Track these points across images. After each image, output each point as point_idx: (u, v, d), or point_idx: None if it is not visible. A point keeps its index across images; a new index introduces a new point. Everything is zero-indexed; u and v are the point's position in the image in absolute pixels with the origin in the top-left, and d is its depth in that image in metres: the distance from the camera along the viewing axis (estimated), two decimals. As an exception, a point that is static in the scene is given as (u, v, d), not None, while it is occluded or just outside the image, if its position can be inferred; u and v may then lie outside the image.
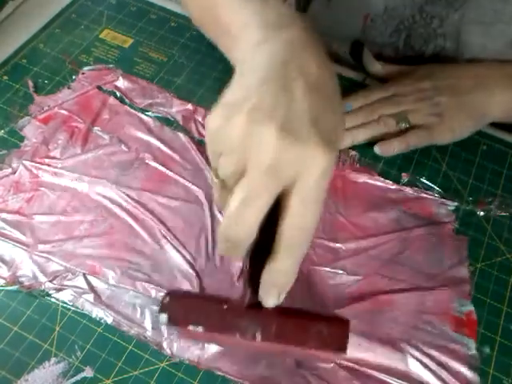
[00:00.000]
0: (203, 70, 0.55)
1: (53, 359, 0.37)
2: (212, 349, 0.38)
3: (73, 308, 0.40)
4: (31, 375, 0.37)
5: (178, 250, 0.42)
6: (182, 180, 0.46)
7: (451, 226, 0.45)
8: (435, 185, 0.47)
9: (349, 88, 0.54)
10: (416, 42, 0.54)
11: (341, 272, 0.42)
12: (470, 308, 0.41)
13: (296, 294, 0.40)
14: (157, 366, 0.38)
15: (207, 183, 0.46)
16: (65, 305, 0.40)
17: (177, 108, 0.51)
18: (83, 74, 0.53)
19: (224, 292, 0.40)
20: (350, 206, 0.46)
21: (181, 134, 0.49)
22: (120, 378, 0.37)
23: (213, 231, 0.43)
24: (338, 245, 0.43)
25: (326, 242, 0.43)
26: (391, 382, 0.37)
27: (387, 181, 0.47)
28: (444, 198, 0.46)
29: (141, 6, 0.60)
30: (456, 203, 0.46)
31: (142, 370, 0.37)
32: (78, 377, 0.37)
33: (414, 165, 0.48)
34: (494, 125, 0.53)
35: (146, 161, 0.47)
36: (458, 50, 0.53)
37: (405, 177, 0.48)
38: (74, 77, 0.53)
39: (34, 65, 0.54)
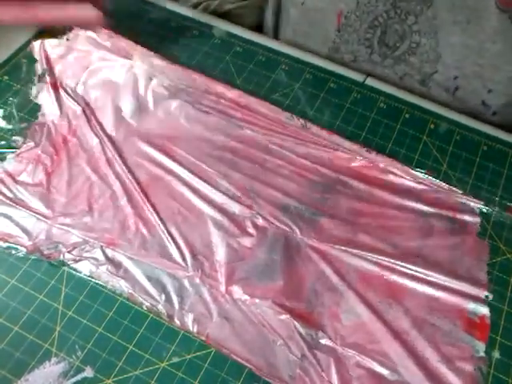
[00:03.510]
0: (204, 69, 0.55)
1: (53, 359, 0.38)
2: (224, 329, 0.39)
3: (73, 307, 0.40)
4: (31, 375, 0.37)
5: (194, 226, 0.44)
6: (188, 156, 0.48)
7: (475, 228, 0.45)
8: (435, 185, 0.47)
9: (349, 88, 0.54)
10: (391, 38, 0.54)
11: (357, 253, 0.42)
12: (485, 312, 0.40)
13: (309, 268, 0.42)
14: (157, 366, 0.38)
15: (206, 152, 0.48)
16: (65, 303, 0.40)
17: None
18: None
19: None
20: (376, 196, 0.46)
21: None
22: (120, 377, 0.37)
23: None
24: (357, 227, 0.44)
25: (345, 223, 0.44)
26: (390, 375, 0.38)
27: (415, 173, 0.47)
28: (472, 197, 0.46)
29: (141, 7, 0.60)
30: (482, 203, 0.46)
31: (142, 370, 0.38)
32: (79, 377, 0.37)
33: (415, 165, 0.48)
34: (495, 125, 0.53)
35: (154, 135, 0.48)
36: (438, 48, 0.52)
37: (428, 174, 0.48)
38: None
39: (25, 58, 0.54)
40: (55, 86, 0.51)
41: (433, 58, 0.54)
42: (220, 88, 0.52)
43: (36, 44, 0.54)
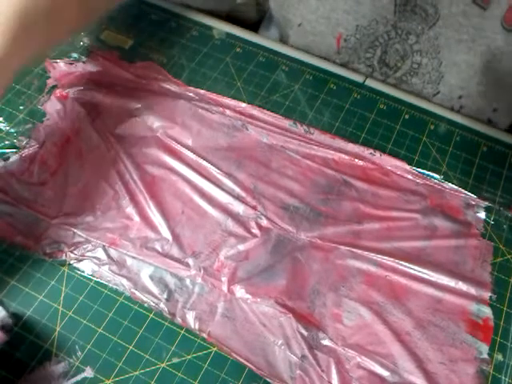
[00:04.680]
0: (203, 70, 0.55)
1: (53, 359, 0.37)
2: (226, 327, 0.39)
3: (73, 308, 0.40)
4: (32, 375, 0.37)
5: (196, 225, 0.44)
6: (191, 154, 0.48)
7: (479, 228, 0.45)
8: (435, 185, 0.47)
9: (349, 89, 0.54)
10: (391, 58, 0.54)
11: (360, 253, 0.42)
12: (488, 314, 0.40)
13: (311, 269, 0.42)
14: (157, 366, 0.38)
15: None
16: (65, 304, 0.40)
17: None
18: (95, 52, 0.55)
19: None
20: (379, 196, 0.46)
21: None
22: (120, 378, 0.37)
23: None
24: (361, 228, 0.44)
25: (349, 224, 0.44)
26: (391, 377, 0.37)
27: (418, 174, 0.48)
28: (476, 197, 0.46)
29: (141, 7, 0.60)
30: (486, 203, 0.46)
31: (142, 371, 0.38)
32: (79, 377, 0.37)
33: (415, 165, 0.48)
34: (495, 126, 0.53)
35: (158, 135, 0.49)
36: (441, 67, 0.52)
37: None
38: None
39: (35, 65, 0.54)
40: (63, 96, 0.51)
41: (435, 79, 0.53)
42: (226, 100, 0.52)
43: (50, 62, 0.54)
